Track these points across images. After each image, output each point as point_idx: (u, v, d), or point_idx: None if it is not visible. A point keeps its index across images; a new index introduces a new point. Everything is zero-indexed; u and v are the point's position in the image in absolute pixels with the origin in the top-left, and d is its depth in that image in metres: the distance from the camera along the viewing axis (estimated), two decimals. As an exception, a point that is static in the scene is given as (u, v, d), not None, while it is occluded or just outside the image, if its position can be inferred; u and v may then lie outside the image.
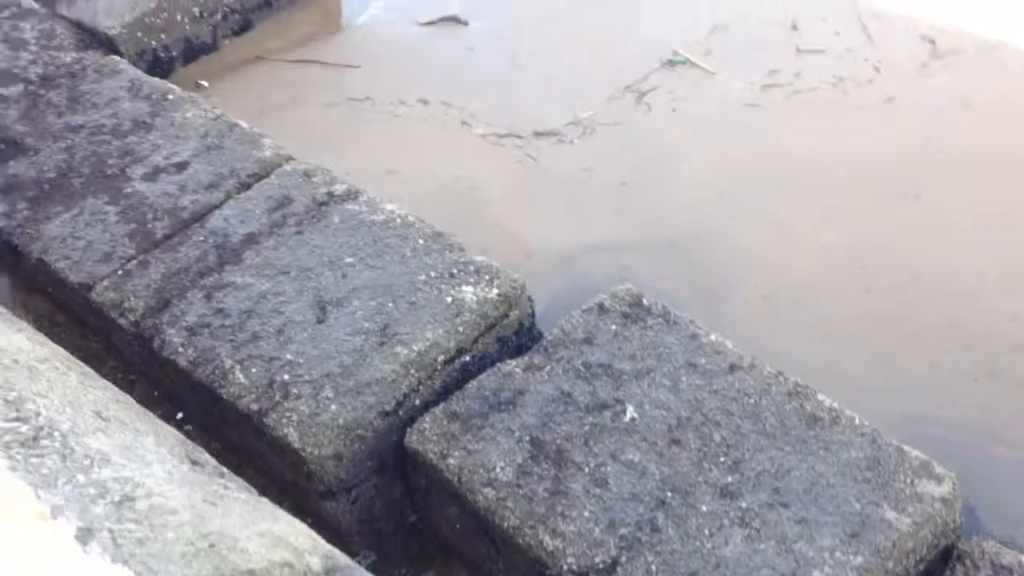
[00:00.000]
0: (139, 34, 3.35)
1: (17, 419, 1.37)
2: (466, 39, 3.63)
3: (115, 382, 2.13)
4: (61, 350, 1.93)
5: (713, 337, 2.17)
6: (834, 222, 2.82)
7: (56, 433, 1.39)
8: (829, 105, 3.19)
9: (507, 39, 3.59)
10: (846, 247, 2.74)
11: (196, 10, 3.48)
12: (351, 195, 2.62)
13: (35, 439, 1.35)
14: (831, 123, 3.12)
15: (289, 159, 2.77)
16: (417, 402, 2.17)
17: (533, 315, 2.41)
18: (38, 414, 1.41)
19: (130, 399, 1.98)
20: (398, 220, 2.52)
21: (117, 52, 3.24)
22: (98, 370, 2.11)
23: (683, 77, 3.36)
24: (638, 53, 3.43)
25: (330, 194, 2.63)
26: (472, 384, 2.14)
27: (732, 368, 2.10)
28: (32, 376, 1.59)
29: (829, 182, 2.93)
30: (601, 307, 2.27)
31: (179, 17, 3.45)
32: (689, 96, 3.28)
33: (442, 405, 2.12)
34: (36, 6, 3.34)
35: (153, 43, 3.41)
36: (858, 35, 3.43)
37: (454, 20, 3.70)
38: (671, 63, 3.40)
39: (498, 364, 2.19)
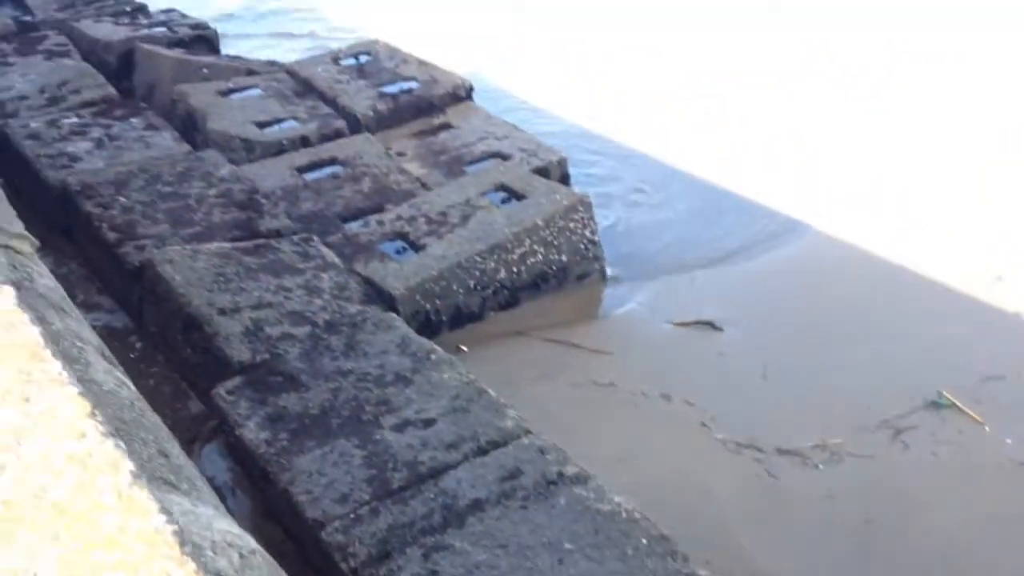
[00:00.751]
0: (418, 297, 3.69)
1: None
2: (718, 344, 3.68)
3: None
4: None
5: None
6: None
7: None
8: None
9: (760, 350, 3.60)
10: None
11: (471, 283, 3.80)
12: (581, 479, 2.61)
13: None
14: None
15: (528, 432, 2.83)
16: None
17: (753, 648, 2.21)
18: None
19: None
20: (624, 514, 2.47)
21: (395, 310, 3.56)
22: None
23: (947, 422, 3.17)
24: (899, 387, 3.30)
25: (560, 474, 2.64)
26: None
27: None
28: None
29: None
30: (832, 658, 2.04)
31: (455, 287, 3.77)
32: (952, 442, 3.08)
33: None
34: (338, 261, 3.78)
35: (428, 306, 3.72)
36: None
37: (709, 325, 3.77)
38: (936, 405, 3.24)
39: None
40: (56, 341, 1.89)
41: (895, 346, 3.54)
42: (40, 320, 1.90)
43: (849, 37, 5.06)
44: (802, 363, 3.50)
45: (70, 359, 1.85)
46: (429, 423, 2.86)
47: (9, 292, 1.94)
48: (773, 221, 4.47)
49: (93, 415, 1.62)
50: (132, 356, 3.46)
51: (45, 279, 2.34)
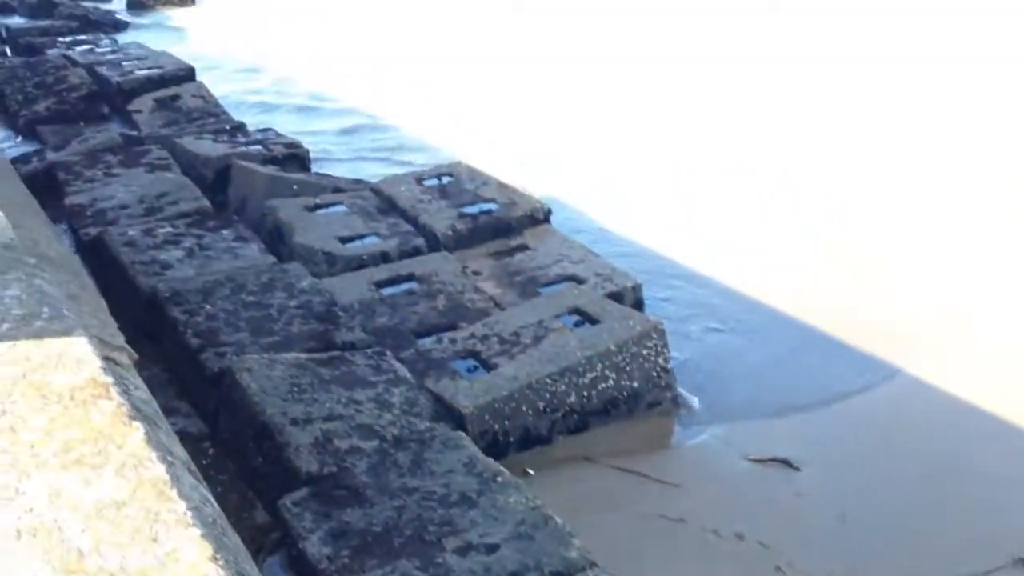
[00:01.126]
0: (487, 417, 3.67)
1: None
2: (795, 484, 3.54)
3: None
4: None
5: None
6: None
7: None
8: None
9: (839, 493, 3.45)
10: None
11: (541, 405, 3.77)
12: (647, 619, 2.50)
13: None
14: None
15: (593, 565, 2.75)
16: None
17: None
18: None
19: None
20: (692, 661, 2.34)
21: (464, 428, 3.54)
22: None
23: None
24: (985, 540, 3.13)
25: (626, 612, 2.53)
26: None
27: None
28: None
29: None
30: None
31: (524, 408, 3.74)
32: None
33: None
34: (409, 377, 3.81)
35: (496, 427, 3.70)
36: None
37: (786, 463, 3.65)
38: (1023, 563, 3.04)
39: None
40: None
41: (982, 497, 3.37)
42: (165, 458, 1.94)
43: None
44: (883, 509, 3.34)
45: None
46: (492, 549, 2.80)
47: (139, 428, 2.01)
48: (859, 363, 4.32)
49: (215, 559, 1.66)
50: (204, 462, 3.49)
51: (140, 391, 2.41)
